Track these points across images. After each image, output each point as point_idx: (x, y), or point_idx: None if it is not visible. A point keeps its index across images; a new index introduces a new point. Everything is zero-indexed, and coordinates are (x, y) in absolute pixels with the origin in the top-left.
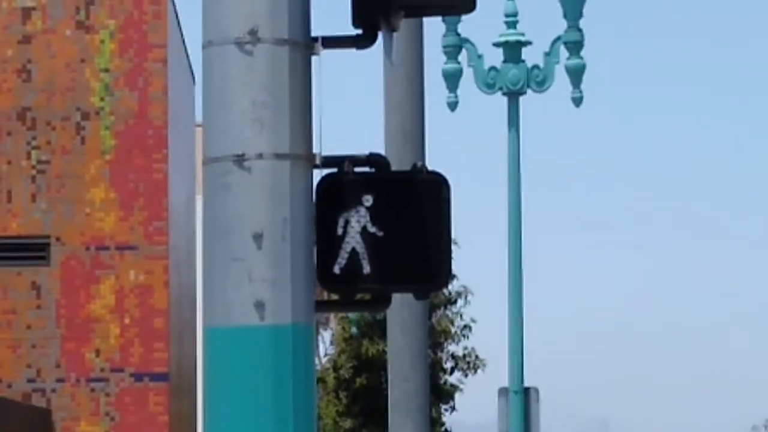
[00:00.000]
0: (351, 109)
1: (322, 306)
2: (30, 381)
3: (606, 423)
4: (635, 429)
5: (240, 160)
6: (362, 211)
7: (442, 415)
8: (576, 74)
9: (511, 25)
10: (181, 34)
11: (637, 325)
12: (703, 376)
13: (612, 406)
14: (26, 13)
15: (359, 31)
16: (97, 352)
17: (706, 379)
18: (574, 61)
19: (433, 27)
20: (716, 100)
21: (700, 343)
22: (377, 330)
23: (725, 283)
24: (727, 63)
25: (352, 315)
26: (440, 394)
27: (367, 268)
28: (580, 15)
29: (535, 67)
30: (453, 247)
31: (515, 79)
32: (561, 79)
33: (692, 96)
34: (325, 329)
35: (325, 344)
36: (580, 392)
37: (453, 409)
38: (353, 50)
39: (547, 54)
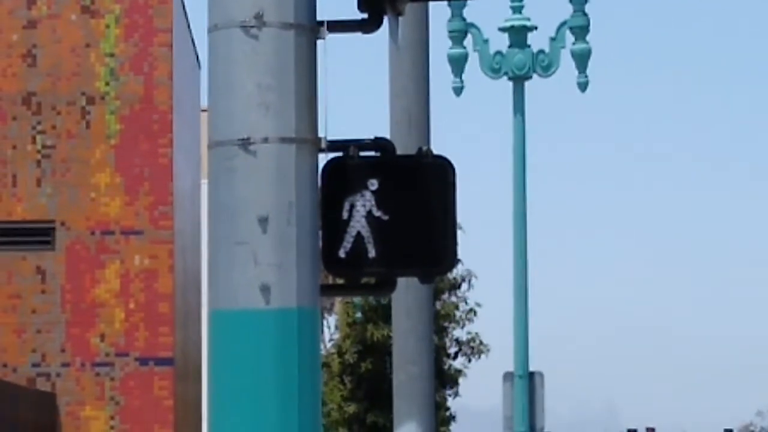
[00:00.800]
0: (356, 93)
1: (327, 290)
2: (35, 365)
3: (613, 407)
4: (643, 413)
5: (245, 143)
6: (367, 195)
7: (447, 400)
8: (581, 59)
9: (517, 9)
10: (186, 19)
11: (644, 310)
12: (709, 361)
13: (619, 391)
14: None
15: (365, 16)
16: (102, 337)
17: (713, 364)
18: (580, 45)
19: (439, 12)
20: (724, 84)
21: (707, 328)
22: (382, 314)
23: (732, 269)
24: (735, 48)
25: (356, 300)
26: (445, 378)
27: (372, 252)
28: (586, 0)
29: (541, 51)
30: (458, 231)
31: (521, 63)
32: (566, 64)
33: (699, 81)
34: (330, 314)
35: (330, 329)
36: (587, 377)
37: (457, 394)
38: (359, 34)
39: (552, 39)
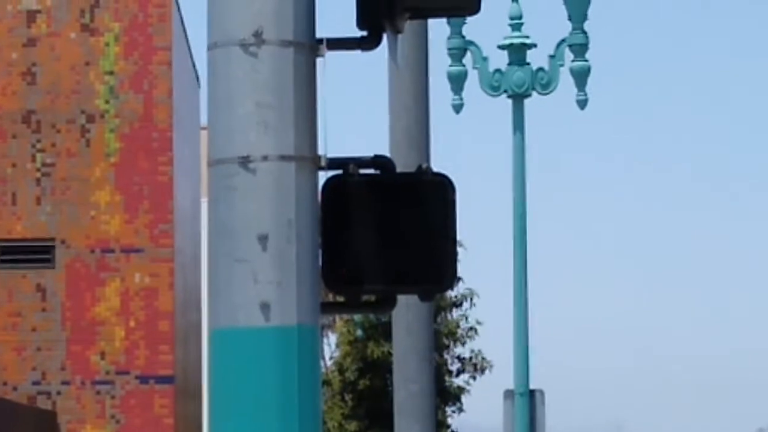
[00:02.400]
0: (356, 111)
1: (327, 308)
2: (35, 383)
3: (618, 425)
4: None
5: (245, 161)
6: (367, 213)
7: (449, 418)
8: (581, 77)
9: (516, 27)
10: (186, 37)
11: (647, 327)
12: (710, 378)
13: (626, 410)
14: (31, 16)
15: (364, 33)
16: (102, 355)
17: (714, 381)
18: (579, 63)
19: (438, 29)
20: (721, 102)
21: (709, 345)
22: (382, 332)
23: (735, 286)
24: (732, 65)
25: (357, 317)
26: (446, 396)
27: (372, 270)
28: (585, 17)
29: (540, 69)
30: (458, 249)
31: (520, 81)
32: (566, 82)
33: (697, 98)
34: (333, 332)
35: (331, 347)
36: (593, 396)
37: (460, 410)
38: (358, 52)
39: (551, 56)
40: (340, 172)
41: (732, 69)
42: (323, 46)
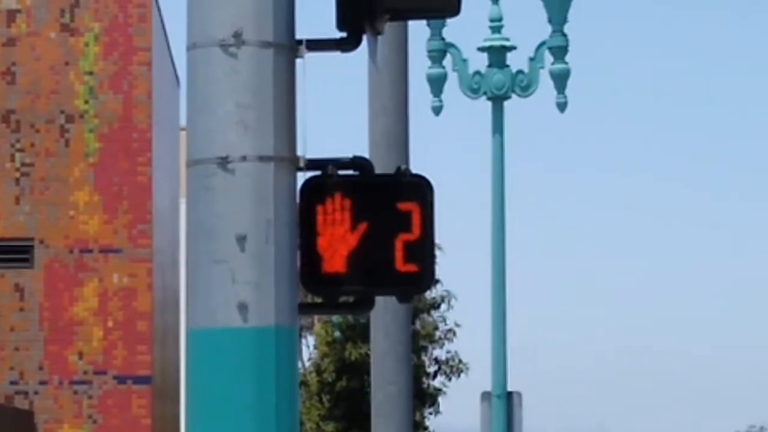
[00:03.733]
0: (335, 112)
1: (305, 308)
2: (13, 383)
3: (605, 429)
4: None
5: (224, 162)
6: (346, 214)
7: (426, 419)
8: (560, 79)
9: (496, 29)
10: (166, 37)
11: (628, 328)
12: (696, 377)
13: (608, 412)
14: (11, 15)
15: (344, 35)
16: (80, 355)
17: (700, 380)
18: (559, 66)
19: (418, 31)
20: (702, 104)
21: (694, 344)
22: (360, 333)
23: (716, 285)
24: (714, 67)
25: (335, 318)
26: (424, 397)
27: (350, 271)
28: (565, 20)
29: (520, 72)
30: (437, 251)
31: (500, 83)
32: (545, 84)
33: (677, 101)
34: (311, 333)
35: (309, 348)
36: (574, 398)
37: (437, 412)
38: (338, 53)
39: (531, 59)
40: (319, 173)
41: (713, 71)
42: (303, 47)
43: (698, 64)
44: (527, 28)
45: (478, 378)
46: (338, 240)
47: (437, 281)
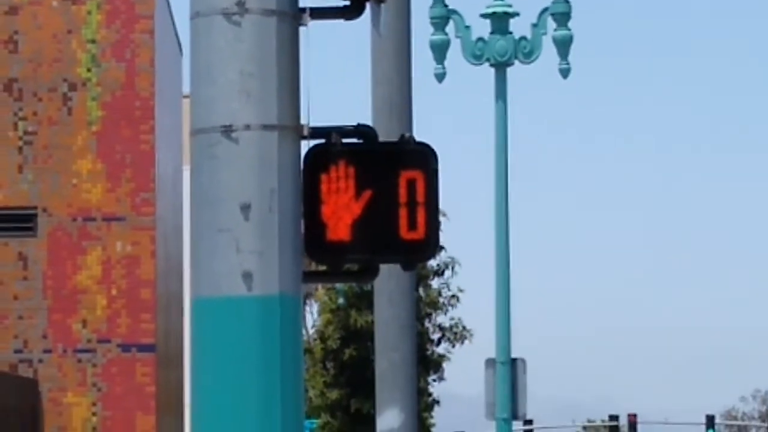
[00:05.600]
0: (339, 80)
1: (309, 277)
2: (17, 351)
3: (609, 398)
4: (627, 399)
5: (227, 131)
6: (350, 182)
7: (430, 386)
8: (563, 45)
9: None
10: (168, 5)
11: (630, 299)
12: (694, 349)
13: (605, 377)
14: None
15: (347, 2)
16: (84, 323)
17: (698, 352)
18: (562, 32)
19: None
20: (706, 69)
21: (693, 317)
22: (365, 301)
23: (717, 260)
24: (717, 33)
25: (339, 286)
26: (428, 364)
27: (354, 239)
28: None
29: (523, 38)
30: (440, 218)
31: (502, 50)
32: (548, 51)
33: (680, 66)
34: (314, 300)
35: (313, 315)
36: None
37: (441, 379)
38: (341, 21)
39: (534, 25)
40: (322, 141)
41: (718, 35)
42: (306, 15)
43: (705, 28)
44: None
45: (482, 345)
46: (342, 208)
47: (441, 248)
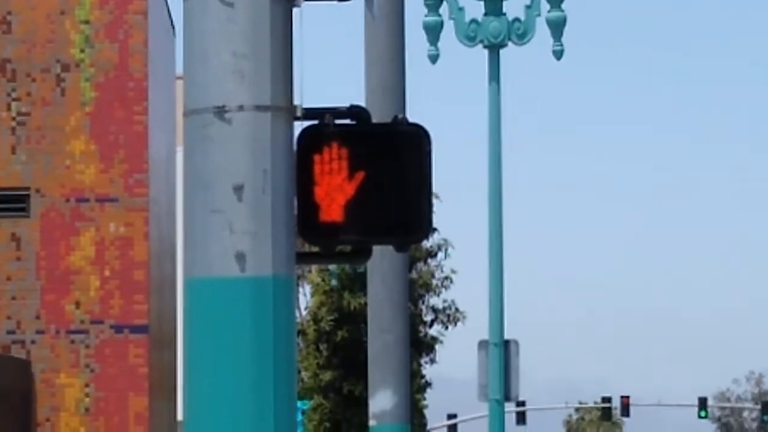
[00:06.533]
0: (332, 61)
1: (302, 258)
2: (10, 332)
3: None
4: (620, 382)
5: (221, 111)
6: (343, 163)
7: (423, 368)
8: (557, 27)
9: None
10: None
11: (623, 283)
12: (688, 333)
13: (599, 360)
14: None
15: None
16: (77, 304)
17: (692, 336)
18: (555, 13)
19: None
20: (699, 51)
21: (686, 301)
22: (358, 282)
23: (708, 244)
24: (709, 15)
25: (332, 267)
26: (420, 346)
27: (347, 221)
28: None
29: (516, 19)
30: (434, 200)
31: (496, 31)
32: (542, 32)
33: (674, 49)
34: (307, 282)
35: (306, 297)
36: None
37: (434, 361)
38: (335, 2)
39: (528, 6)
40: (315, 122)
41: (710, 18)
42: None
43: (696, 10)
44: None
45: (475, 327)
46: (335, 189)
47: (434, 230)
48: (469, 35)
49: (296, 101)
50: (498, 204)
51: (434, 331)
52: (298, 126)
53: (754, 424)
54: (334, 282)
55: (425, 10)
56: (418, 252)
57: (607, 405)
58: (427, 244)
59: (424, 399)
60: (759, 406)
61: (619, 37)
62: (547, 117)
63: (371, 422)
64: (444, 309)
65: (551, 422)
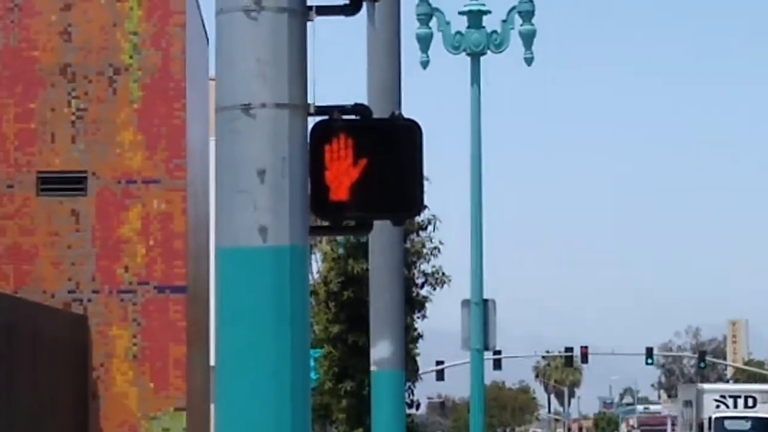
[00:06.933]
0: (340, 66)
1: (315, 230)
2: (70, 292)
3: (568, 332)
4: (580, 334)
5: (246, 108)
6: (349, 152)
7: (415, 322)
8: (528, 38)
9: None
10: (197, 2)
11: (586, 248)
12: (638, 290)
13: (564, 315)
14: None
15: (347, 1)
16: (126, 268)
17: (642, 293)
18: (527, 27)
19: None
20: (651, 50)
21: (639, 263)
22: (361, 250)
23: (662, 207)
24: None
25: (340, 238)
26: (413, 304)
27: (352, 200)
28: None
29: (494, 32)
30: (425, 182)
31: (477, 42)
32: (515, 43)
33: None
34: (319, 250)
35: (318, 263)
36: (539, 304)
37: (425, 317)
38: (342, 17)
39: (503, 21)
40: (326, 117)
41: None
42: (313, 12)
43: (645, 20)
44: None
45: (459, 288)
46: (342, 173)
47: (425, 207)
48: (455, 45)
49: (310, 100)
50: (478, 186)
51: (425, 291)
52: (311, 120)
53: (692, 370)
54: (341, 250)
55: (418, 24)
56: (411, 226)
57: (569, 354)
58: (419, 219)
59: (417, 348)
60: (696, 355)
61: (583, 46)
62: (520, 113)
63: (372, 368)
64: (433, 273)
65: (523, 368)
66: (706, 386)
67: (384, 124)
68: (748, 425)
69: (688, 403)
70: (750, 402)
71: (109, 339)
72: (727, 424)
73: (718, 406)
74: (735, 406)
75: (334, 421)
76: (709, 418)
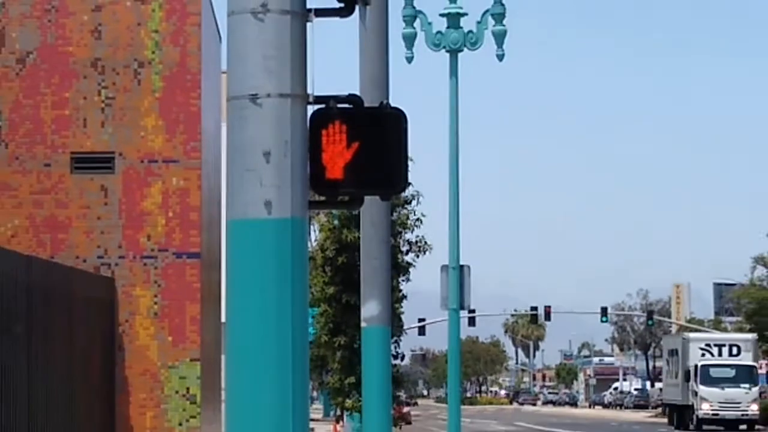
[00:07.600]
0: (335, 61)
1: (313, 205)
2: (99, 257)
3: (534, 293)
4: (545, 294)
5: (254, 98)
6: (343, 136)
7: (400, 284)
8: (499, 37)
9: (453, 0)
10: (211, 4)
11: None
12: (597, 254)
13: (530, 277)
14: None
15: (342, 5)
16: (149, 237)
17: (595, 259)
18: (498, 27)
19: (396, 1)
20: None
21: (597, 228)
22: (354, 222)
23: (625, 175)
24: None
25: (335, 211)
26: (399, 269)
27: (346, 178)
28: None
29: (470, 31)
30: (409, 162)
31: (455, 40)
32: (489, 41)
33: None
34: (316, 222)
35: (315, 232)
36: (508, 267)
37: (408, 280)
38: (337, 19)
39: (478, 22)
40: (323, 105)
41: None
42: (312, 14)
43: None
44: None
45: (439, 255)
46: (337, 155)
47: (409, 184)
48: (435, 43)
49: (309, 90)
50: (456, 165)
51: (409, 258)
52: (310, 108)
53: (642, 327)
54: (336, 222)
55: (403, 24)
56: (397, 200)
57: (534, 312)
58: (404, 194)
59: (402, 308)
60: (645, 314)
61: (547, 43)
62: (493, 102)
63: (363, 324)
64: (416, 242)
65: (494, 325)
66: (692, 335)
67: (374, 111)
68: (732, 372)
69: (673, 352)
70: (734, 350)
71: (133, 298)
72: (713, 371)
73: (703, 355)
74: (720, 354)
75: (329, 370)
76: (695, 366)
